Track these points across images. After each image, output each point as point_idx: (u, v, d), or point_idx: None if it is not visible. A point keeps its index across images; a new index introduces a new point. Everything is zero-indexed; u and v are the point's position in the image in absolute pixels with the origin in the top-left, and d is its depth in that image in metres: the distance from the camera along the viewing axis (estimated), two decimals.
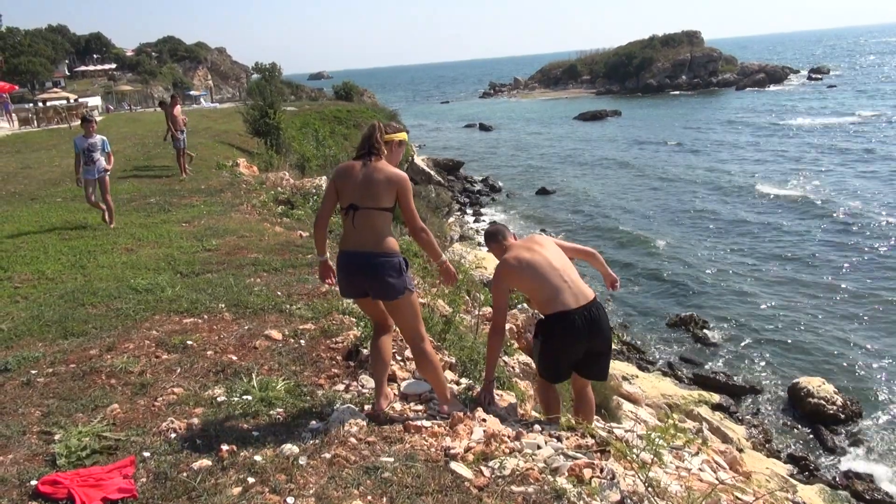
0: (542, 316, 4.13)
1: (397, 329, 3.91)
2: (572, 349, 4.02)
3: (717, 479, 4.28)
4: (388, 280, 3.49)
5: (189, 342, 4.71)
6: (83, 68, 70.82)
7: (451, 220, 24.67)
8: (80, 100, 39.48)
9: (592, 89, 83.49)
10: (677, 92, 75.05)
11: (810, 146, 36.31)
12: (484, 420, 3.81)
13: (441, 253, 3.67)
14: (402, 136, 3.78)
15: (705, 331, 14.59)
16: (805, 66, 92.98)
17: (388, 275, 3.49)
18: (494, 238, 4.34)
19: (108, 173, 9.50)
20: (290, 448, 3.24)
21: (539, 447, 3.51)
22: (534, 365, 4.34)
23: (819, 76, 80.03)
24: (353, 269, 3.56)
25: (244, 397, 3.84)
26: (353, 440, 3.37)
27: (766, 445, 10.35)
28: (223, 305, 5.51)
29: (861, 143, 35.79)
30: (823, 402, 11.08)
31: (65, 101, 38.45)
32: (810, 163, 31.65)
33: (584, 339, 3.96)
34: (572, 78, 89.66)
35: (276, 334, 4.83)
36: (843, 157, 32.50)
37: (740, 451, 8.81)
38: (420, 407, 3.91)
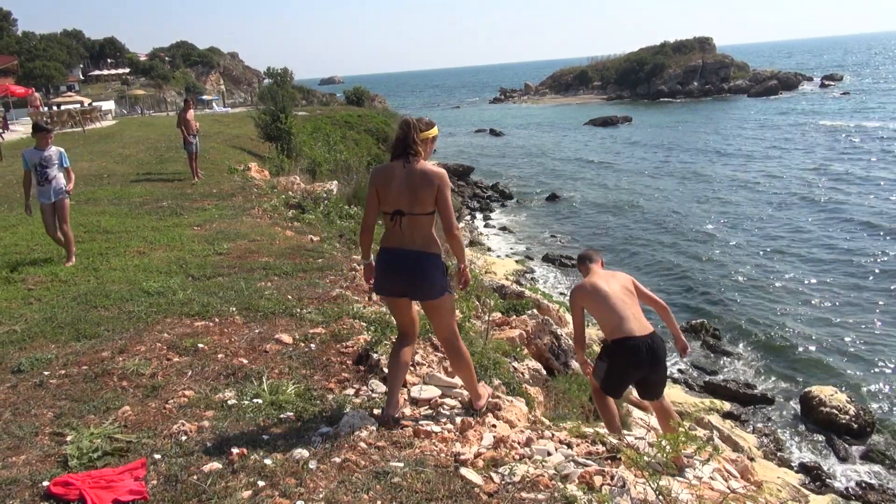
0: (608, 341, 4.57)
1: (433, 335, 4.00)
2: (633, 372, 4.50)
3: (728, 487, 4.24)
4: (434, 279, 3.60)
5: (200, 345, 4.73)
6: (97, 72, 71.26)
7: (461, 224, 24.70)
8: (95, 104, 39.73)
9: (603, 95, 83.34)
10: (689, 98, 74.71)
11: (824, 150, 36.06)
12: (494, 426, 3.81)
13: (465, 257, 3.80)
14: (434, 131, 3.90)
15: (716, 338, 14.48)
16: (817, 72, 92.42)
17: (434, 273, 3.59)
18: (583, 261, 4.94)
19: (69, 195, 7.80)
20: (300, 452, 3.24)
21: (549, 454, 3.50)
22: (592, 381, 4.84)
23: (831, 83, 79.55)
24: (395, 266, 3.63)
25: (254, 401, 3.85)
26: (362, 445, 3.37)
27: (778, 455, 10.25)
28: (234, 309, 5.53)
29: (880, 148, 35.51)
30: (836, 412, 10.95)
31: (79, 105, 38.75)
32: (824, 167, 31.37)
33: (644, 366, 4.42)
34: (583, 84, 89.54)
35: (286, 338, 4.85)
36: (862, 162, 32.21)
37: (751, 459, 8.72)
38: (430, 412, 3.91)
